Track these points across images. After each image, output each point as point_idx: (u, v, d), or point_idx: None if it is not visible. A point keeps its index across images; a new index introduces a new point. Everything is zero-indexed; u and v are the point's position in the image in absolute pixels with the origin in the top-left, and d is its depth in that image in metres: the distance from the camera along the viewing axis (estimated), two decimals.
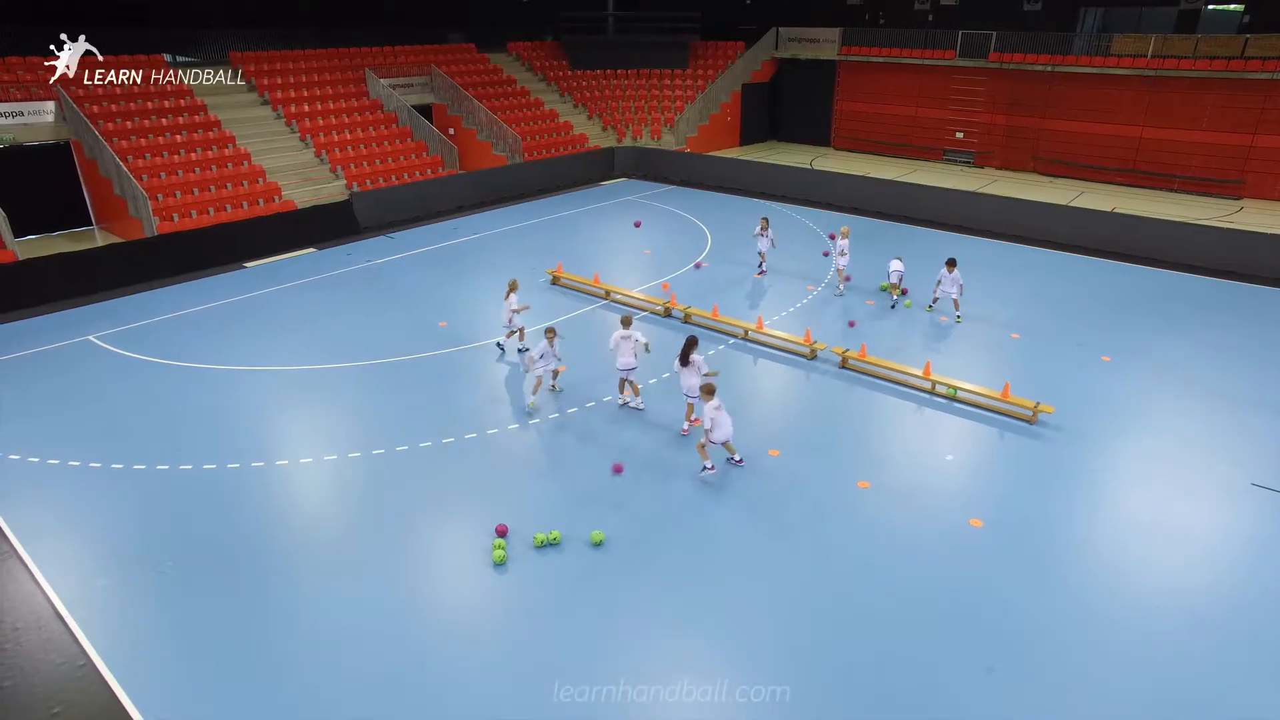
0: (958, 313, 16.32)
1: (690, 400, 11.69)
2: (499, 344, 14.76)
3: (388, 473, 10.93)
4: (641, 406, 12.60)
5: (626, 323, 12.14)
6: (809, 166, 29.17)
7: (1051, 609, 8.49)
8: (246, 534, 9.64)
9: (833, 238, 18.94)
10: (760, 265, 19.12)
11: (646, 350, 12.26)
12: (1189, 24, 28.35)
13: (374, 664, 7.74)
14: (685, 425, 11.92)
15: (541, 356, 12.34)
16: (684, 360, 11.42)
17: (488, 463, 11.12)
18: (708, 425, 10.46)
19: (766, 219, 18.91)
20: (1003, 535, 9.70)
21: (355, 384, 13.54)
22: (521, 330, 14.37)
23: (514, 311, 13.91)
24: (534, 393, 12.64)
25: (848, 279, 17.97)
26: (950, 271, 15.93)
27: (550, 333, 12.42)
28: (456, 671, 7.72)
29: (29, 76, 21.36)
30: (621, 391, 12.71)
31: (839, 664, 7.79)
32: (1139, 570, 9.10)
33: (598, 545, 9.39)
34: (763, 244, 18.70)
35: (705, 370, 11.40)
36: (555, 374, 12.98)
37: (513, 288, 13.94)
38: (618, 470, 10.90)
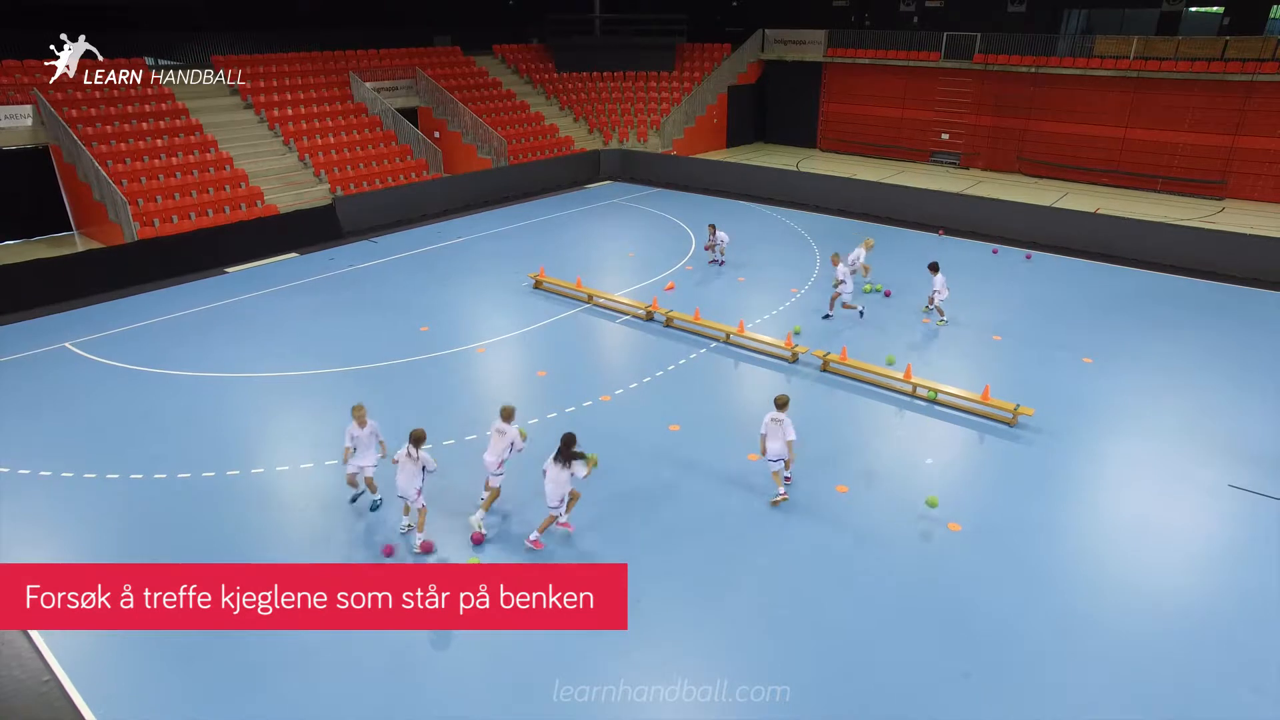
0: (942, 317, 16.31)
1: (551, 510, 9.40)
2: (357, 500, 10.37)
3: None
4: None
5: (507, 416, 9.58)
6: (795, 169, 29.18)
7: (1030, 612, 8.47)
8: (222, 543, 9.52)
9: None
10: (719, 258, 19.86)
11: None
12: (1170, 26, 28.54)
13: (360, 669, 7.67)
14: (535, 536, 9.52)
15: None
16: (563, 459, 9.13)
17: (466, 469, 11.00)
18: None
19: (713, 225, 19.93)
20: (982, 539, 9.67)
21: (335, 390, 13.40)
22: (368, 480, 10.05)
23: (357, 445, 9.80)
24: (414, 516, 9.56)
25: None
26: (935, 275, 15.98)
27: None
28: (451, 673, 7.68)
29: (5, 80, 21.14)
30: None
31: (819, 667, 7.74)
32: (1118, 572, 9.10)
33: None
34: (717, 245, 19.71)
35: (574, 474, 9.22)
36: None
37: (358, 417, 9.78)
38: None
